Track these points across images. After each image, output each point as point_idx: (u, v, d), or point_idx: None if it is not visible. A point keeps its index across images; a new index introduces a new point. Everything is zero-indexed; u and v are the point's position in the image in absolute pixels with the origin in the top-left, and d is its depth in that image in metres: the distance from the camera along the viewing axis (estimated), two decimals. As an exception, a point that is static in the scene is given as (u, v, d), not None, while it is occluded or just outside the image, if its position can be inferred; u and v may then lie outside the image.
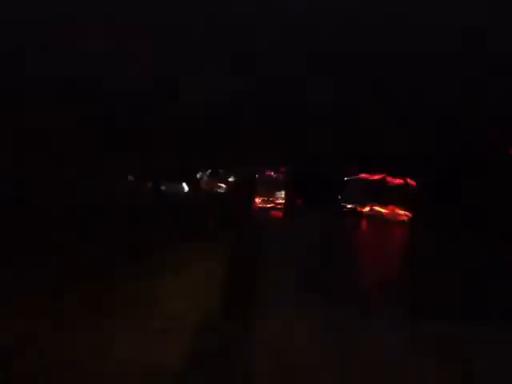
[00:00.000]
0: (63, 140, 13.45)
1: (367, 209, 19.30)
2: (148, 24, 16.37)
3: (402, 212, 17.06)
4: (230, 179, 20.92)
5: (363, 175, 19.35)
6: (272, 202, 22.21)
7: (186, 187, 19.34)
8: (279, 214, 19.68)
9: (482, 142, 14.10)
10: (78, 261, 5.21)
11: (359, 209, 19.76)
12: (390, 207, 17.51)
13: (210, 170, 19.89)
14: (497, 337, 3.72)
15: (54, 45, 15.22)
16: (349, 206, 20.38)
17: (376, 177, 18.74)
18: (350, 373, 2.77)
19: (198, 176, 22.58)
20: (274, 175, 22.73)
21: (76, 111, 14.69)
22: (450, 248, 10.66)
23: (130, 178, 20.63)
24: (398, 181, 17.58)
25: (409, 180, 17.22)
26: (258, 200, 22.16)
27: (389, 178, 17.99)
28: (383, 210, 17.90)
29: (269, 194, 22.43)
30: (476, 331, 3.77)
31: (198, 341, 3.06)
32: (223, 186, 20.39)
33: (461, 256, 9.09)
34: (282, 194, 22.59)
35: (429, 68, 17.54)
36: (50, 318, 3.26)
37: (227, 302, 4.16)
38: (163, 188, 21.94)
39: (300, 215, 19.38)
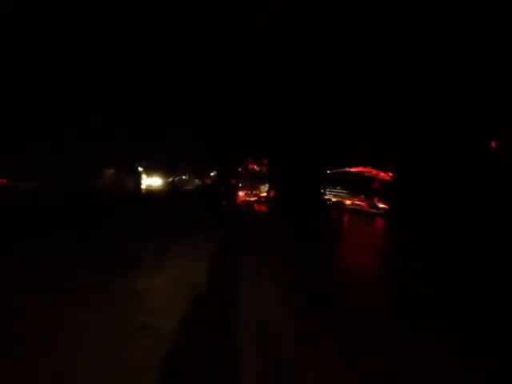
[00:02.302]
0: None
1: (349, 202, 18.93)
2: None
3: (381, 205, 16.67)
4: (212, 174, 20.60)
5: (346, 169, 18.85)
6: (256, 195, 21.91)
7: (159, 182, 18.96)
8: (262, 207, 19.31)
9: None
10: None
11: (343, 202, 19.38)
12: (371, 200, 17.13)
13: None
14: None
15: None
16: (334, 200, 19.97)
17: (358, 170, 18.25)
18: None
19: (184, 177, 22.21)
20: (258, 168, 22.31)
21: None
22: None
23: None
24: (380, 174, 17.09)
25: (389, 173, 16.76)
26: (241, 193, 21.87)
27: (371, 172, 17.51)
28: (364, 203, 17.54)
29: (252, 187, 22.10)
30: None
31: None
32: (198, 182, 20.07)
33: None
34: (266, 187, 22.25)
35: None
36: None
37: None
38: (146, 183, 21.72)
39: (280, 209, 19.02)
